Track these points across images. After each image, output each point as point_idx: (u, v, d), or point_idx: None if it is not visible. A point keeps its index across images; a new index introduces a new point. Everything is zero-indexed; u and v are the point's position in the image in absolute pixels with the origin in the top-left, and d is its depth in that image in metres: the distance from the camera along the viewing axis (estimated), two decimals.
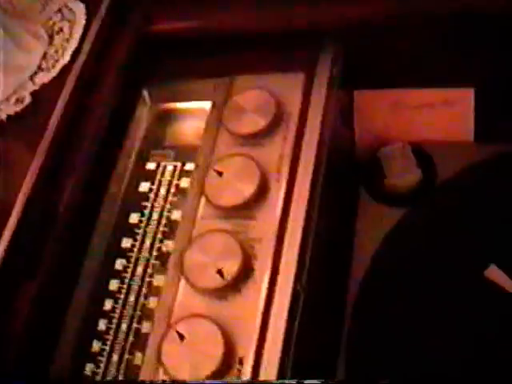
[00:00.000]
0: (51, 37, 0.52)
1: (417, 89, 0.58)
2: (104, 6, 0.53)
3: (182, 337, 0.43)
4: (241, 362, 0.42)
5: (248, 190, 0.47)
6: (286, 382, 0.41)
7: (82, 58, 0.51)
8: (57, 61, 0.50)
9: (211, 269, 0.44)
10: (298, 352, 0.43)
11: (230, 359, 0.42)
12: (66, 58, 0.51)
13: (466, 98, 0.57)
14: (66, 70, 0.51)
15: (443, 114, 0.58)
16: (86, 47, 0.51)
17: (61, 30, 0.52)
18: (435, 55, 0.56)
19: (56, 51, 0.51)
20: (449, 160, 0.58)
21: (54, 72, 0.50)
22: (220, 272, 0.44)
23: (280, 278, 0.44)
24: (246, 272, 0.44)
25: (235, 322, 0.43)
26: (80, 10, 0.53)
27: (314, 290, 0.47)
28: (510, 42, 0.54)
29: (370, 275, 0.52)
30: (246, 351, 0.42)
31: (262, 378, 0.41)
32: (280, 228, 0.46)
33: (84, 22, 0.52)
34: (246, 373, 0.41)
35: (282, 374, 0.41)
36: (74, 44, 0.51)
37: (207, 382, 0.41)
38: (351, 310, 0.53)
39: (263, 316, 0.43)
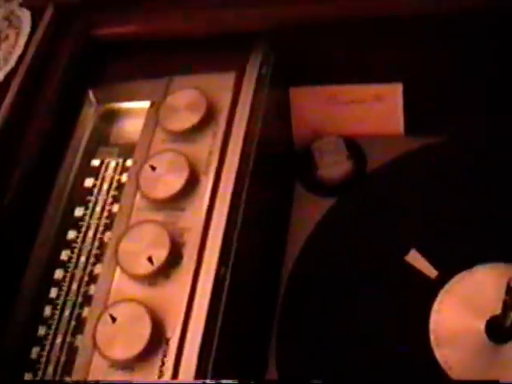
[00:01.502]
0: None
1: (349, 85, 0.62)
2: (48, 12, 0.56)
3: (113, 319, 0.46)
4: (167, 343, 0.46)
5: (178, 183, 0.50)
6: (207, 381, 0.44)
7: (27, 62, 0.54)
8: (1, 68, 0.54)
9: (142, 256, 0.48)
10: (226, 332, 0.47)
11: (157, 339, 0.45)
12: (11, 64, 0.54)
13: (395, 92, 0.61)
14: (11, 76, 0.54)
15: (375, 109, 0.62)
16: (31, 52, 0.54)
17: (7, 37, 0.56)
18: (366, 54, 0.60)
19: (2, 58, 0.55)
20: (380, 152, 0.61)
21: None
22: (150, 259, 0.48)
23: (205, 264, 0.47)
24: (174, 259, 0.48)
25: (164, 305, 0.47)
26: (26, 17, 0.57)
27: (242, 276, 0.50)
28: (434, 42, 0.58)
29: (300, 260, 0.56)
30: (173, 332, 0.46)
31: (184, 356, 0.45)
32: (207, 218, 0.49)
33: (29, 29, 0.56)
34: (172, 352, 0.45)
35: (204, 353, 0.45)
36: (18, 50, 0.54)
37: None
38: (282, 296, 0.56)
39: (189, 298, 0.46)
